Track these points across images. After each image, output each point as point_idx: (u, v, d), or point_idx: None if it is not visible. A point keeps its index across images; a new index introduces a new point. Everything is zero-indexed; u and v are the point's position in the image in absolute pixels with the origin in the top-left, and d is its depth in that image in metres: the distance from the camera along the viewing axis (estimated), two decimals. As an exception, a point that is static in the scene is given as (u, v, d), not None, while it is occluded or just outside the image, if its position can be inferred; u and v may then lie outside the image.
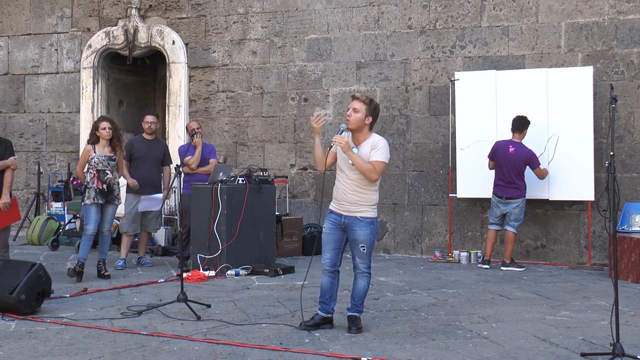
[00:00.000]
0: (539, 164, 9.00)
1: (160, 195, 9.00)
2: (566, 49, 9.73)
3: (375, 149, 5.47)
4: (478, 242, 9.95)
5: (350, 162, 5.45)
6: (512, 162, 8.93)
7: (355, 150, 5.48)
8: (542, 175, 9.03)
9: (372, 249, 5.59)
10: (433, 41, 10.32)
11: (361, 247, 5.51)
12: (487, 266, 9.02)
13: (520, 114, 9.09)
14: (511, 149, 8.95)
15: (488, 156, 9.21)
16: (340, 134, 5.50)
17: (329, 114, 10.75)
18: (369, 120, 5.53)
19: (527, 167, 8.99)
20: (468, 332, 5.56)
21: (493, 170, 9.16)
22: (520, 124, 9.04)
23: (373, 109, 5.54)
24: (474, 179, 9.62)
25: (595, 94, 9.32)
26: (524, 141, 9.03)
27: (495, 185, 9.10)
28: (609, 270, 8.47)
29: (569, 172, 9.19)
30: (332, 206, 5.62)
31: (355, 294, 5.63)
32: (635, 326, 5.79)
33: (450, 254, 9.77)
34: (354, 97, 5.58)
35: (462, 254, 9.55)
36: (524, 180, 9.00)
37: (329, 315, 5.69)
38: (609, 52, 9.56)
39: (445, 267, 9.20)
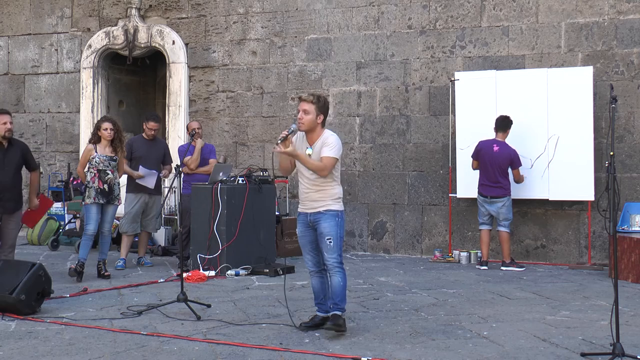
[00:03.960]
0: (520, 165, 9.02)
1: (155, 175, 8.89)
2: (566, 49, 9.73)
3: (326, 145, 5.47)
4: (478, 242, 9.91)
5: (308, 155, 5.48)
6: (496, 161, 8.96)
7: (309, 150, 5.49)
8: (518, 178, 9.04)
9: (340, 243, 5.51)
10: (433, 41, 10.32)
11: (327, 239, 5.44)
12: (485, 267, 9.02)
13: (504, 114, 9.12)
14: (495, 148, 8.97)
15: (472, 156, 9.22)
16: (290, 132, 5.48)
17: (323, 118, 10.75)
18: (320, 118, 5.52)
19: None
20: (468, 332, 5.56)
21: (477, 171, 9.18)
22: (504, 124, 9.08)
23: (322, 106, 5.52)
24: (474, 179, 9.58)
25: (595, 94, 9.31)
26: (507, 140, 9.07)
27: (480, 184, 9.11)
28: (609, 270, 8.47)
29: (569, 172, 9.19)
30: (299, 207, 5.65)
31: (333, 292, 5.52)
32: (635, 326, 5.79)
33: (450, 254, 9.77)
34: (300, 99, 5.56)
35: (462, 254, 9.55)
36: (508, 179, 9.02)
37: (328, 314, 5.63)
38: (609, 52, 9.56)
39: (445, 267, 9.20)
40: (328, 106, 5.63)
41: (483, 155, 9.05)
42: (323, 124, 5.57)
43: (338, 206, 5.52)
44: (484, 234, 9.15)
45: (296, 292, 7.22)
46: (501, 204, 8.99)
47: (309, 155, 5.49)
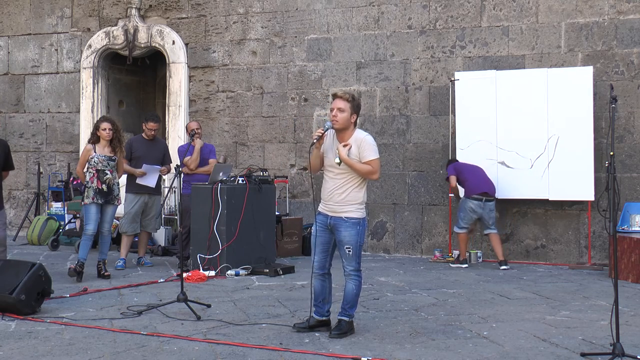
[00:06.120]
0: None
1: (157, 171, 8.93)
2: (566, 49, 9.72)
3: (365, 149, 5.34)
4: (478, 242, 9.94)
5: (336, 161, 5.35)
6: (478, 167, 9.28)
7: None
8: None
9: (359, 251, 5.44)
10: (433, 41, 10.32)
11: (346, 248, 5.37)
12: (466, 265, 9.13)
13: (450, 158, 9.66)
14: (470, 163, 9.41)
15: (451, 172, 9.26)
16: (326, 130, 5.41)
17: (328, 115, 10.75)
18: (354, 118, 5.41)
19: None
20: (468, 332, 5.56)
21: (466, 179, 9.25)
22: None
23: (356, 106, 5.42)
24: (474, 179, 9.64)
25: (595, 94, 9.31)
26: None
27: (474, 187, 9.12)
28: (609, 270, 8.47)
29: (569, 172, 9.19)
30: (320, 207, 5.52)
31: (345, 297, 5.50)
32: (635, 326, 5.79)
33: (450, 254, 9.77)
34: (336, 96, 5.43)
35: (462, 254, 9.57)
36: None
37: (323, 318, 5.60)
38: (609, 52, 9.55)
39: (445, 267, 9.20)
40: (360, 106, 5.52)
41: (464, 166, 9.30)
42: (355, 124, 5.46)
43: (360, 213, 5.41)
44: (463, 236, 9.23)
45: (296, 292, 7.22)
46: (492, 206, 9.15)
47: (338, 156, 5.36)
